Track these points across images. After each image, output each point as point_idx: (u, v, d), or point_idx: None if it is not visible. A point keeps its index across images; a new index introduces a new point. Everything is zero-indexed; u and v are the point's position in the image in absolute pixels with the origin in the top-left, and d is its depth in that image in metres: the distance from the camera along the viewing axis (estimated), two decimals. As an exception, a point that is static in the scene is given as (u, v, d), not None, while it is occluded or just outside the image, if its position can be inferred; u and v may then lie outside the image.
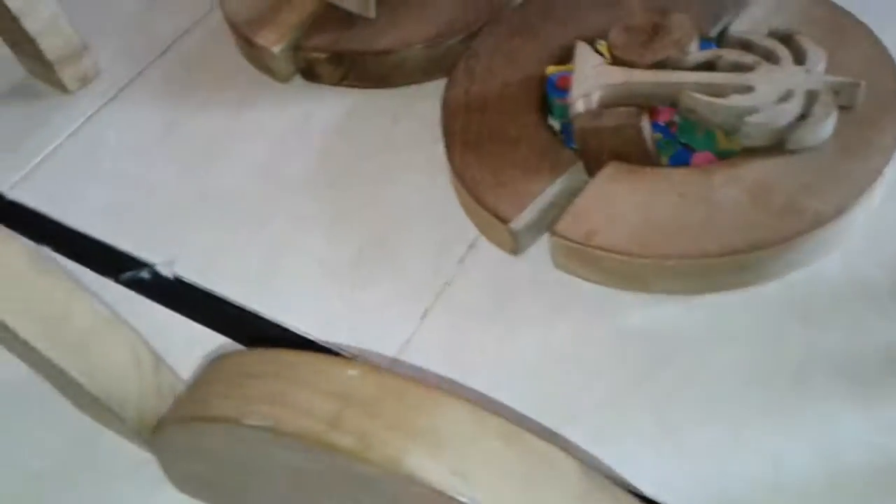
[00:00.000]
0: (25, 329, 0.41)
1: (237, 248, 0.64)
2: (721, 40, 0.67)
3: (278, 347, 0.34)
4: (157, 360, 0.43)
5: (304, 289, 0.61)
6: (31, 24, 0.74)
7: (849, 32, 0.64)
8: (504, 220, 0.57)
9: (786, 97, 0.57)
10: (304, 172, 0.69)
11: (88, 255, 0.65)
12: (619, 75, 0.60)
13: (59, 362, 0.41)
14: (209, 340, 0.59)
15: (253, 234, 0.65)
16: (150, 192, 0.69)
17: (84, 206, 0.69)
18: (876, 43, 0.63)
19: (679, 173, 0.57)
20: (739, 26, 0.66)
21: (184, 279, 0.62)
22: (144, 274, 0.63)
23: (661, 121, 0.62)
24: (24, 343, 0.41)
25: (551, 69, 0.67)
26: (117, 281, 0.63)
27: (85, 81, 0.80)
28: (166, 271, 0.62)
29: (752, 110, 0.56)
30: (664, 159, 0.61)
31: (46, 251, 0.64)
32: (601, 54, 0.67)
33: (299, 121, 0.73)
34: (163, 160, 0.72)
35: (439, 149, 0.65)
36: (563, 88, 0.65)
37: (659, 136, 0.62)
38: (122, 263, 0.64)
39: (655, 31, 0.64)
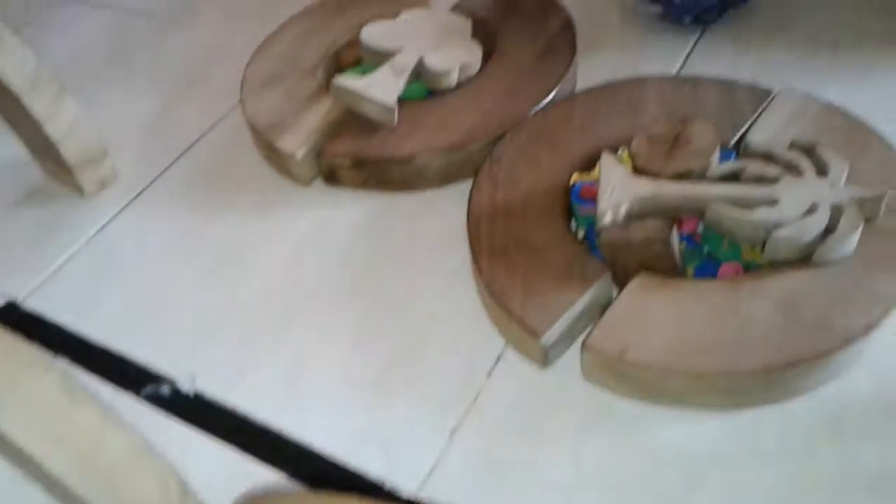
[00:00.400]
0: (56, 464, 0.40)
1: (259, 361, 0.63)
2: (739, 149, 0.68)
3: (303, 470, 0.32)
4: (185, 489, 0.42)
5: (328, 405, 0.60)
6: (52, 130, 0.74)
7: (865, 142, 0.65)
8: (535, 335, 0.57)
9: (811, 211, 0.57)
10: (326, 279, 0.69)
11: (107, 368, 0.64)
12: (647, 187, 0.61)
13: (85, 496, 0.40)
14: (232, 460, 0.57)
15: (275, 346, 0.64)
16: (169, 301, 0.69)
17: (101, 315, 0.69)
18: (892, 152, 0.64)
19: (708, 286, 0.57)
20: (757, 135, 0.67)
21: (205, 396, 0.61)
22: (164, 389, 0.62)
23: (686, 231, 0.63)
24: (52, 477, 0.40)
25: (575, 177, 0.67)
26: (137, 396, 0.62)
27: (103, 185, 0.80)
28: (187, 387, 0.61)
29: (778, 224, 0.57)
30: (689, 269, 0.61)
31: (63, 364, 0.63)
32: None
33: (320, 225, 0.73)
34: (182, 267, 0.72)
35: (462, 254, 0.65)
36: (587, 197, 0.65)
37: (683, 245, 0.62)
38: (142, 378, 0.63)
39: (677, 140, 0.65)
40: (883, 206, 0.58)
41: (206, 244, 0.73)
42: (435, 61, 0.78)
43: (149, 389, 0.62)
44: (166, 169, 0.82)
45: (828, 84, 0.77)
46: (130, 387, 0.63)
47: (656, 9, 0.83)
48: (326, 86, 0.79)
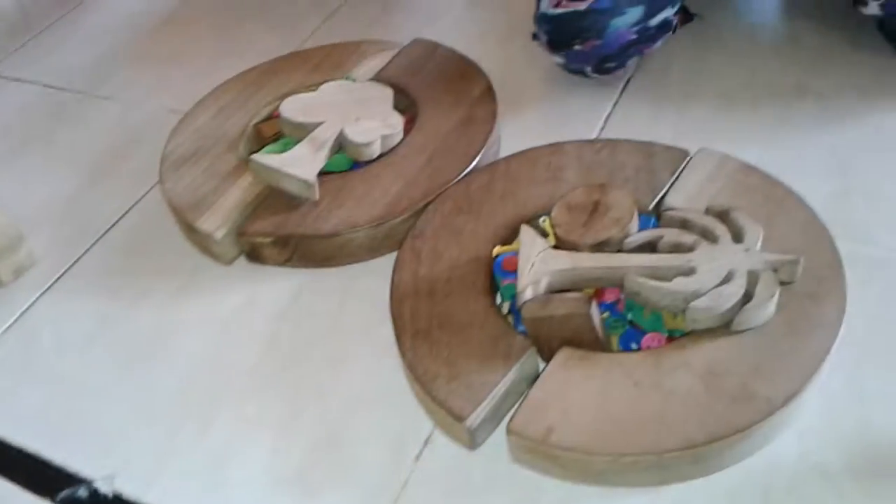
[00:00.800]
0: None
1: (180, 456, 0.61)
2: (659, 212, 0.68)
3: None
4: None
5: (252, 500, 0.58)
6: (-36, 220, 0.72)
7: (781, 201, 0.66)
8: (459, 418, 0.56)
9: (728, 278, 0.58)
10: (249, 364, 0.67)
11: (20, 470, 0.61)
12: (565, 261, 0.61)
13: None
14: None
15: (197, 439, 0.62)
16: (87, 395, 0.67)
17: (15, 412, 0.66)
18: (807, 212, 0.65)
19: (631, 359, 0.57)
20: (675, 198, 0.68)
21: (123, 497, 0.59)
22: (82, 492, 0.59)
23: (609, 299, 0.63)
24: None
25: (497, 250, 0.67)
26: (53, 501, 0.59)
27: (19, 273, 0.78)
28: (106, 488, 0.59)
29: (696, 294, 0.57)
30: (614, 339, 0.61)
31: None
32: (545, 233, 0.68)
33: (243, 306, 0.72)
34: (100, 358, 0.69)
35: (388, 331, 0.64)
36: (509, 269, 0.65)
37: (606, 314, 0.62)
38: (58, 480, 0.60)
39: (596, 208, 0.65)
40: (799, 270, 0.59)
41: (127, 332, 0.71)
42: (355, 134, 0.77)
43: (65, 493, 0.60)
44: (86, 251, 0.80)
45: (746, 139, 0.78)
46: (47, 491, 0.60)
47: (559, 59, 0.84)
48: (248, 161, 0.78)
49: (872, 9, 0.82)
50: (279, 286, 0.73)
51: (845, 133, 0.77)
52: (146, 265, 0.77)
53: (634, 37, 0.80)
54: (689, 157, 0.71)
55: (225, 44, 1.08)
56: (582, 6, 0.78)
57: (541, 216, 0.69)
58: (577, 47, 0.81)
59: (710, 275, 0.58)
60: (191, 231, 0.76)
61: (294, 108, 0.80)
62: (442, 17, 1.05)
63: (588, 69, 0.84)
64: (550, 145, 0.76)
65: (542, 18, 0.82)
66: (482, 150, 0.77)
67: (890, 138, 0.76)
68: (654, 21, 0.81)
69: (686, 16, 0.94)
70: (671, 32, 0.85)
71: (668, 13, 0.82)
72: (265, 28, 1.10)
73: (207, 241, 0.74)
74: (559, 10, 0.80)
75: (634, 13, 0.79)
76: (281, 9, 1.14)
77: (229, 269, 0.75)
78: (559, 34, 0.81)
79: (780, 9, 0.97)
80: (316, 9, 1.12)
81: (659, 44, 0.84)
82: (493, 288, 0.66)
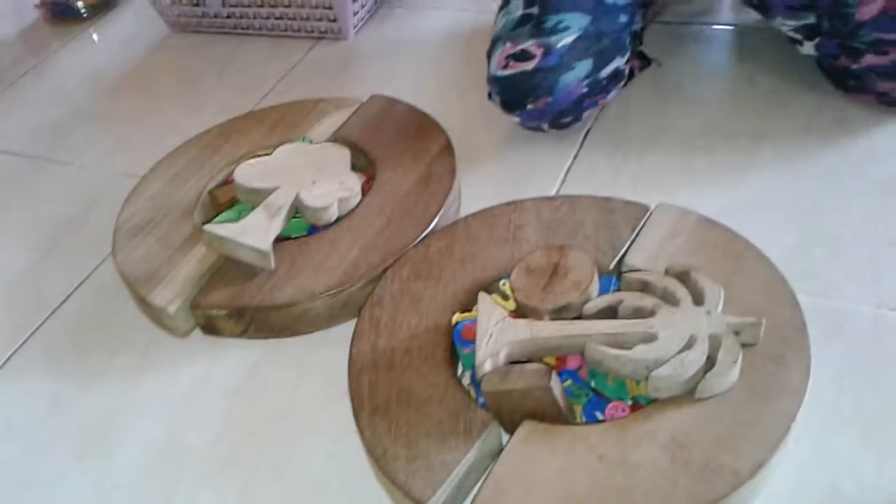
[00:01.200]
0: None
1: (135, 549, 0.59)
2: (619, 272, 0.67)
3: None
4: None
5: None
6: None
7: (742, 257, 0.65)
8: (419, 502, 0.54)
9: (690, 344, 0.56)
10: (205, 445, 0.65)
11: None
12: (525, 331, 0.59)
13: None
14: None
15: (152, 529, 0.60)
16: (37, 486, 0.64)
17: (-37, 507, 0.63)
18: (768, 267, 0.64)
19: (594, 432, 0.56)
20: (636, 256, 0.67)
21: None
22: None
23: (571, 366, 0.61)
24: None
25: (456, 317, 0.66)
26: None
27: (-32, 354, 0.75)
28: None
29: (658, 362, 0.56)
30: (577, 408, 0.59)
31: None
32: (506, 296, 0.66)
33: (199, 383, 0.70)
34: (52, 444, 0.67)
35: (348, 405, 0.62)
36: (469, 338, 0.63)
37: (569, 382, 0.61)
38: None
39: (555, 270, 0.64)
40: (761, 332, 0.58)
41: (79, 415, 0.69)
42: (311, 198, 0.76)
43: None
44: (36, 329, 0.77)
45: (706, 190, 0.77)
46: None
47: (513, 118, 0.83)
48: (202, 228, 0.76)
49: (808, 49, 0.83)
50: (236, 359, 0.71)
51: (804, 179, 0.77)
52: (99, 342, 0.75)
53: (585, 90, 0.80)
54: (648, 213, 0.71)
55: (184, 102, 1.07)
56: (529, 66, 0.78)
57: (501, 279, 0.68)
58: (529, 106, 0.80)
59: (672, 341, 0.57)
60: (144, 304, 0.74)
61: (248, 174, 0.79)
62: (401, 71, 1.05)
63: (544, 125, 0.83)
64: (510, 203, 0.75)
65: (492, 80, 0.81)
66: (441, 211, 0.76)
67: (848, 181, 0.76)
68: (605, 73, 0.80)
69: (643, 61, 0.94)
70: (624, 82, 0.85)
71: (619, 63, 0.81)
72: (224, 85, 1.09)
73: (161, 314, 0.72)
74: (508, 72, 0.79)
75: (583, 67, 0.78)
76: (240, 65, 1.13)
77: (185, 343, 0.73)
78: (510, 95, 0.80)
79: (733, 51, 0.97)
80: (275, 64, 1.11)
81: (613, 93, 0.84)
82: (454, 357, 0.64)
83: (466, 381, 0.63)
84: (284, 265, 0.73)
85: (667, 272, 0.62)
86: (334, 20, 1.12)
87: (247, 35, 1.19)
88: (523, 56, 0.79)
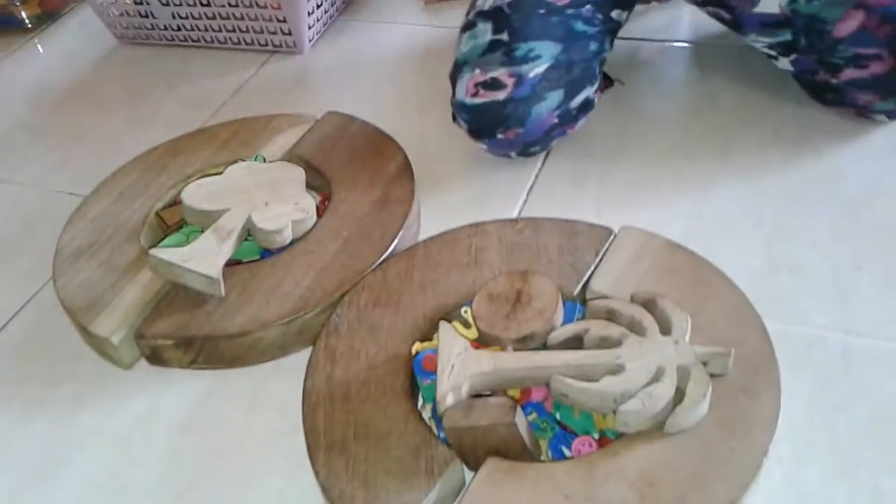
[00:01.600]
0: None
1: None
2: (584, 298, 0.65)
3: None
4: None
5: None
6: None
7: (708, 283, 0.64)
8: (377, 548, 0.51)
9: (658, 376, 0.54)
10: (150, 485, 0.61)
11: None
12: (487, 363, 0.57)
13: None
14: None
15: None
16: (-32, 531, 0.60)
17: None
18: (736, 294, 0.63)
19: (561, 469, 0.53)
20: (600, 281, 0.65)
21: None
22: None
23: (535, 399, 0.59)
24: None
25: (416, 347, 0.63)
26: None
27: None
28: None
29: (625, 395, 0.54)
30: (543, 442, 0.57)
31: None
32: (467, 323, 0.64)
33: (144, 417, 0.66)
34: (-16, 486, 0.63)
35: (302, 440, 0.59)
36: (429, 369, 0.61)
37: (534, 414, 0.58)
38: None
39: (519, 297, 0.61)
40: (730, 362, 0.56)
41: (16, 452, 0.65)
42: (264, 221, 0.73)
43: None
44: (-30, 359, 0.73)
45: (671, 212, 0.76)
46: None
47: (480, 145, 0.81)
48: (148, 254, 0.72)
49: (784, 64, 0.82)
50: (183, 392, 0.67)
51: (769, 200, 0.76)
52: (38, 372, 0.71)
53: (556, 120, 0.78)
54: (612, 236, 0.69)
55: (132, 118, 1.03)
56: (501, 96, 0.76)
57: (462, 305, 0.66)
58: (499, 136, 0.78)
59: (639, 372, 0.55)
60: (86, 333, 0.70)
61: (197, 195, 0.75)
62: (357, 87, 1.02)
63: (512, 154, 0.82)
64: (471, 226, 0.73)
65: (460, 107, 0.79)
66: (400, 234, 0.73)
67: (813, 201, 0.75)
68: (575, 102, 0.79)
69: (607, 81, 0.92)
70: (591, 110, 0.83)
71: (588, 92, 0.80)
72: (174, 100, 1.05)
73: (104, 345, 0.68)
74: (478, 101, 0.77)
75: (554, 97, 0.77)
76: (190, 79, 1.09)
77: (129, 374, 0.70)
78: (480, 123, 0.78)
79: (694, 68, 0.96)
80: (228, 77, 1.07)
81: (582, 122, 0.82)
82: (414, 388, 0.61)
83: (427, 414, 0.60)
84: (235, 291, 0.70)
85: (632, 299, 0.60)
86: (289, 33, 1.08)
87: (197, 48, 1.15)
88: (494, 85, 0.76)
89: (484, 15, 0.79)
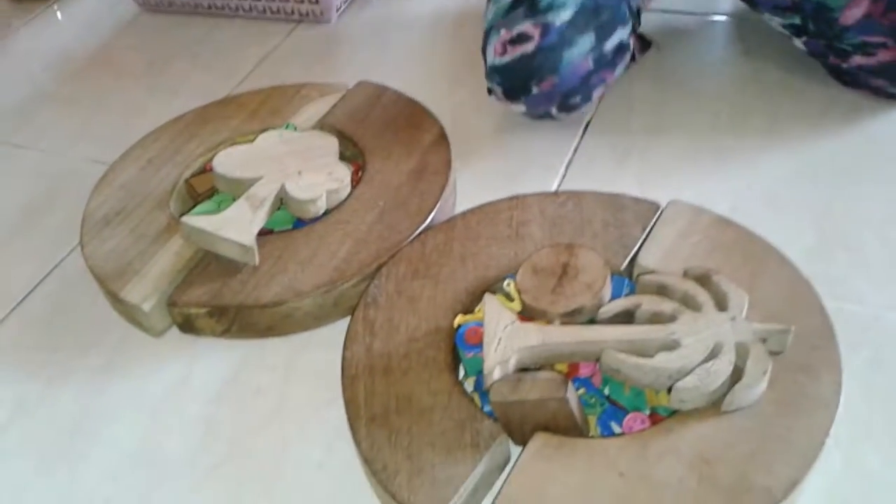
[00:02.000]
0: None
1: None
2: (631, 273, 0.63)
3: None
4: None
5: None
6: None
7: (762, 259, 0.62)
8: (424, 522, 0.49)
9: (715, 353, 0.53)
10: (183, 456, 0.59)
11: None
12: (535, 337, 0.55)
13: None
14: None
15: (126, 549, 0.54)
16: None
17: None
18: (791, 270, 0.61)
19: (614, 446, 0.51)
20: (648, 256, 0.63)
21: None
22: None
23: (583, 374, 0.57)
24: None
25: (459, 319, 0.61)
26: None
27: (-81, 353, 0.69)
28: None
29: (681, 372, 0.52)
30: (591, 419, 0.55)
31: None
32: (510, 297, 0.62)
33: (176, 386, 0.64)
34: (14, 452, 0.61)
35: (340, 411, 0.57)
36: (473, 342, 0.59)
37: (582, 390, 0.56)
38: None
39: (565, 271, 0.60)
40: (790, 340, 0.54)
41: (45, 420, 0.63)
42: (298, 190, 0.71)
43: None
44: (-4, 326, 0.71)
45: (716, 188, 0.74)
46: None
47: (519, 108, 0.79)
48: (179, 220, 0.70)
49: (798, 44, 0.81)
50: (216, 361, 0.66)
51: (819, 177, 0.73)
52: (67, 339, 0.69)
53: (591, 66, 0.76)
54: (659, 211, 0.67)
55: (155, 86, 1.01)
56: (530, 48, 0.74)
57: (504, 278, 0.64)
58: (534, 90, 0.76)
59: (696, 349, 0.53)
60: (116, 301, 0.68)
61: (229, 162, 0.73)
62: (388, 57, 1.00)
63: (553, 110, 0.79)
64: (511, 198, 0.71)
65: (492, 71, 0.77)
66: (437, 205, 0.71)
67: (864, 179, 0.72)
68: (609, 45, 0.76)
69: (643, 43, 0.90)
70: (631, 58, 0.81)
71: (622, 35, 0.77)
72: (198, 69, 1.03)
73: (134, 312, 0.67)
74: (507, 58, 0.75)
75: (585, 42, 0.74)
76: (214, 48, 1.07)
77: (160, 342, 0.68)
78: (513, 81, 0.76)
79: (736, 42, 0.93)
80: (253, 46, 1.05)
81: (620, 70, 0.79)
82: (456, 362, 0.59)
83: (469, 387, 0.59)
84: (269, 261, 0.68)
85: (685, 275, 0.58)
86: (316, 2, 1.06)
87: (222, 16, 1.13)
88: (521, 39, 0.74)
89: None
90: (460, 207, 0.73)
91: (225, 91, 0.96)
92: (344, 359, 0.60)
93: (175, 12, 1.15)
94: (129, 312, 0.68)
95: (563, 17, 0.74)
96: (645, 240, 0.65)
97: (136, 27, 1.15)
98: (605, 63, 0.77)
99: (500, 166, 0.80)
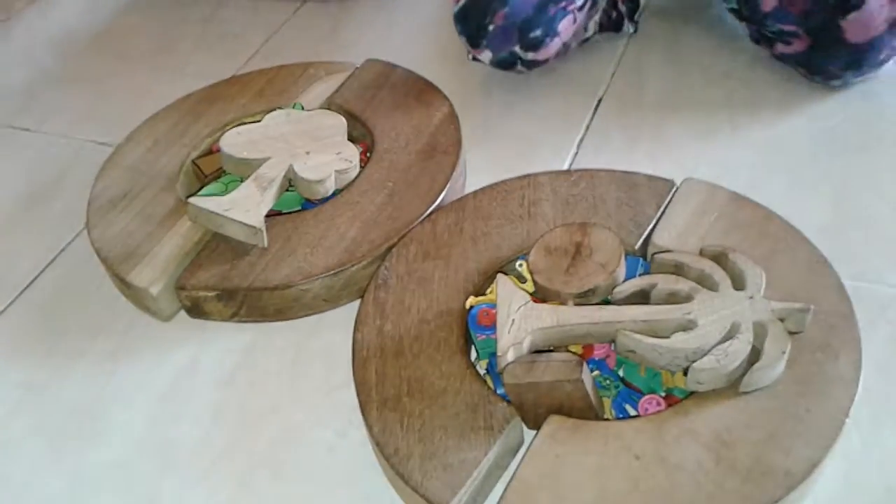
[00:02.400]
0: None
1: (118, 556, 0.53)
2: (646, 253, 0.62)
3: None
4: None
5: None
6: None
7: (779, 238, 0.61)
8: (438, 506, 0.49)
9: (732, 333, 0.52)
10: (193, 440, 0.59)
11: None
12: (549, 318, 0.54)
13: None
14: None
15: (137, 534, 0.54)
16: (8, 483, 0.58)
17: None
18: (809, 249, 0.60)
19: (629, 428, 0.51)
20: (663, 235, 0.62)
21: None
22: None
23: (597, 356, 0.56)
24: None
25: (471, 301, 0.60)
26: None
27: (-73, 338, 0.68)
28: None
29: (698, 352, 0.51)
30: (606, 401, 0.54)
31: None
32: (522, 277, 0.61)
33: (185, 371, 0.64)
34: (22, 437, 0.61)
35: (351, 395, 0.57)
36: (485, 324, 0.58)
37: (597, 372, 0.56)
38: None
39: (578, 250, 0.59)
40: (809, 319, 0.53)
41: (54, 405, 0.62)
42: (306, 170, 0.70)
43: None
44: (4, 310, 0.71)
45: (730, 166, 0.73)
46: None
47: (486, 54, 0.78)
48: (186, 202, 0.69)
49: (742, 30, 0.83)
50: (226, 345, 0.65)
51: (833, 154, 0.72)
52: (74, 324, 0.68)
53: None
54: (674, 189, 0.65)
55: (160, 66, 1.00)
56: None
57: (517, 259, 0.63)
58: (490, 27, 0.75)
59: (713, 329, 0.52)
60: (123, 285, 0.67)
61: (236, 143, 0.72)
62: (396, 34, 0.98)
63: (516, 48, 0.77)
64: (522, 177, 0.70)
65: (455, 21, 0.78)
66: (448, 185, 0.70)
67: (879, 156, 0.71)
68: None
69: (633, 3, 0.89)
70: (634, 30, 0.80)
71: None
72: (203, 48, 1.02)
73: (142, 296, 0.66)
74: (461, 3, 0.76)
75: None
76: (219, 27, 1.05)
77: (169, 326, 0.67)
78: (470, 23, 0.77)
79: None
80: (258, 27, 1.04)
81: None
82: (468, 344, 0.59)
83: (482, 370, 0.58)
84: (278, 242, 0.67)
85: (702, 253, 0.57)
86: (322, -20, 1.04)
87: (226, -5, 1.11)
88: None
89: None
90: (471, 187, 0.72)
91: (231, 71, 0.95)
92: (354, 341, 0.59)
93: (179, -8, 1.14)
94: (136, 296, 0.67)
95: None
96: (659, 218, 0.63)
97: (140, 7, 1.14)
98: None
99: (511, 145, 0.79)
